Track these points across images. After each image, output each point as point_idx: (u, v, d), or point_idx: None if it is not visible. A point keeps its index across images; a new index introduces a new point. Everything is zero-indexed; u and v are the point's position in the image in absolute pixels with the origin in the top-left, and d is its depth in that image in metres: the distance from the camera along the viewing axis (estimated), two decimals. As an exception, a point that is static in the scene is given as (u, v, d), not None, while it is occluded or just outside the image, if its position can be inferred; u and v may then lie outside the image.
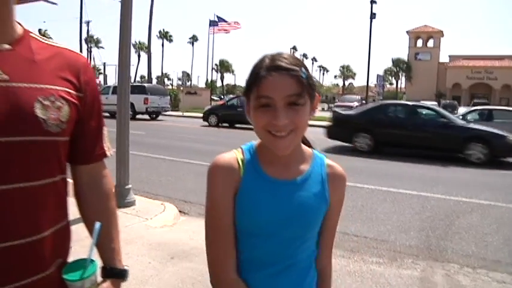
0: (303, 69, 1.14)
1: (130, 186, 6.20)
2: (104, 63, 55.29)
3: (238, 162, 1.23)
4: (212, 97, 47.92)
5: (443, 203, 7.42)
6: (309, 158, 1.30)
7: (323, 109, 43.74)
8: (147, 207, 6.21)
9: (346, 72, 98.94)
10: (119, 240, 1.28)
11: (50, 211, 1.07)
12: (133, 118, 21.80)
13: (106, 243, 1.21)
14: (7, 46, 1.02)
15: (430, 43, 72.40)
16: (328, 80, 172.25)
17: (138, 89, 23.44)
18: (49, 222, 1.07)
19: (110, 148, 1.30)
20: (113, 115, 25.63)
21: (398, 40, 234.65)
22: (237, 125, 21.11)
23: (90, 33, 65.57)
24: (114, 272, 1.21)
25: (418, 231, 5.84)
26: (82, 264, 1.07)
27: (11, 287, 1.00)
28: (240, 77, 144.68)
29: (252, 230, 1.22)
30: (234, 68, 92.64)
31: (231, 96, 36.83)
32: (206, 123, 22.54)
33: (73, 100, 1.10)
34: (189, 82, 61.11)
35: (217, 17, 44.22)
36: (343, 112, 16.53)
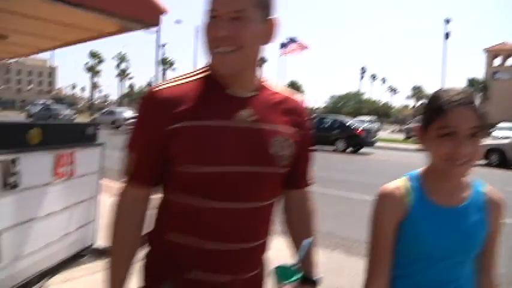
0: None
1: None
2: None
3: (405, 190, 1.34)
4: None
5: None
6: (469, 185, 1.38)
7: (393, 131, 42.67)
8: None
9: (418, 93, 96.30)
10: (315, 255, 1.46)
11: (266, 225, 1.32)
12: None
13: (307, 256, 1.39)
14: (254, 93, 1.26)
15: (510, 61, 68.99)
16: (397, 101, 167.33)
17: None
18: (264, 233, 1.33)
19: (313, 177, 1.49)
20: None
21: (474, 59, 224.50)
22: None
23: (165, 55, 69.00)
24: (310, 281, 1.36)
25: None
26: (288, 270, 1.30)
27: (245, 276, 1.29)
28: (309, 98, 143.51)
29: (419, 256, 1.32)
30: (304, 88, 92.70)
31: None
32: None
33: (296, 139, 1.30)
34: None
35: (290, 38, 44.53)
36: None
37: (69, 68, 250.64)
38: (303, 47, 43.78)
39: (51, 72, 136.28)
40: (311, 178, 1.47)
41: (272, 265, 1.36)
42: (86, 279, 3.80)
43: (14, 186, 3.10)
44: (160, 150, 1.19)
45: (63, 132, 3.90)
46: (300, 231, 1.45)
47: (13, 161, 3.07)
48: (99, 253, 4.30)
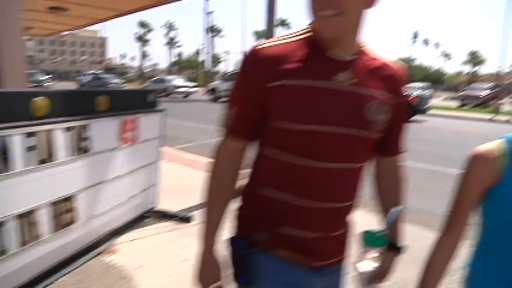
0: None
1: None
2: (227, 51, 57.94)
3: (499, 153, 1.26)
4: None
5: None
6: None
7: (445, 98, 41.25)
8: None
9: (475, 58, 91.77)
10: (402, 223, 1.48)
11: (356, 187, 1.35)
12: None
13: (394, 223, 1.43)
14: (354, 57, 1.26)
15: None
16: (451, 67, 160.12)
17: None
18: (353, 194, 1.35)
19: (405, 146, 1.48)
20: None
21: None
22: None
23: (212, 23, 69.06)
24: (395, 248, 1.42)
25: None
26: (375, 235, 1.36)
27: (332, 234, 1.34)
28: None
29: (507, 224, 1.25)
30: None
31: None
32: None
33: (392, 106, 1.31)
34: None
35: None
36: None
37: (119, 38, 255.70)
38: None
39: (103, 43, 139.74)
40: (403, 146, 1.47)
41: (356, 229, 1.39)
42: (150, 238, 4.01)
43: (86, 150, 3.29)
44: (260, 106, 1.23)
45: (127, 98, 4.05)
46: (389, 198, 1.48)
47: (84, 127, 3.25)
48: (160, 215, 4.52)
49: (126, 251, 3.73)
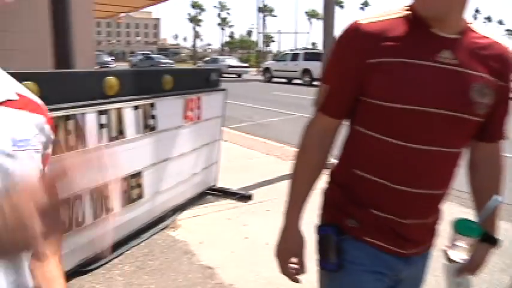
0: None
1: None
2: (279, 30, 57.61)
3: None
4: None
5: None
6: None
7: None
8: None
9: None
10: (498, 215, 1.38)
11: (452, 173, 1.27)
12: (310, 85, 22.48)
13: (491, 214, 1.33)
14: (457, 35, 1.19)
15: None
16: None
17: (317, 56, 24.05)
18: (449, 181, 1.28)
19: (507, 133, 1.37)
20: (290, 81, 26.40)
21: None
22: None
23: (264, 2, 68.64)
24: (490, 239, 1.34)
25: None
26: (470, 224, 1.29)
27: (425, 221, 1.29)
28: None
29: None
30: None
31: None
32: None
33: (497, 88, 1.22)
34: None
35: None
36: None
37: (171, 19, 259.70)
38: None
39: (156, 24, 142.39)
40: (505, 133, 1.37)
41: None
42: (211, 215, 4.10)
43: (153, 128, 3.38)
44: (357, 83, 1.19)
45: (190, 78, 4.11)
46: (487, 187, 1.38)
47: (151, 105, 3.33)
48: (221, 193, 4.60)
49: (188, 227, 3.83)
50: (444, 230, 1.39)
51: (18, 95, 0.82)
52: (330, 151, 1.31)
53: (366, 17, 1.23)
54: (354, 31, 1.20)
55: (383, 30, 1.18)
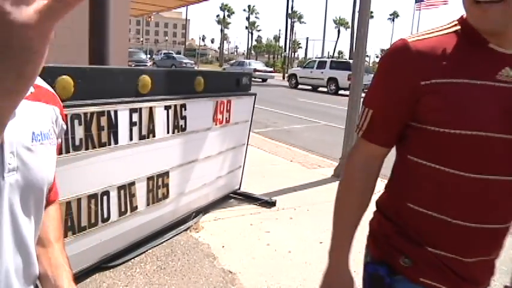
0: None
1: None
2: (307, 38, 57.56)
3: None
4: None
5: None
6: None
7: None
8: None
9: None
10: None
11: None
12: (336, 93, 22.40)
13: None
14: None
15: None
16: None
17: (343, 65, 23.96)
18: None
19: None
20: (315, 88, 26.19)
21: None
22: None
23: (293, 9, 68.69)
24: None
25: None
26: None
27: (487, 258, 1.16)
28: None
29: None
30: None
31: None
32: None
33: None
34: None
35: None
36: None
37: (199, 20, 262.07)
38: (442, 1, 40.49)
39: (185, 24, 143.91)
40: None
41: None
42: (233, 219, 4.08)
43: (183, 129, 3.38)
44: (408, 107, 1.09)
45: (222, 80, 4.11)
46: None
47: (182, 106, 3.34)
48: (244, 198, 4.58)
49: (210, 229, 3.82)
50: (501, 265, 1.31)
51: (34, 85, 0.82)
52: (376, 181, 1.21)
53: (412, 35, 1.14)
54: (403, 50, 1.10)
55: (435, 47, 1.08)
